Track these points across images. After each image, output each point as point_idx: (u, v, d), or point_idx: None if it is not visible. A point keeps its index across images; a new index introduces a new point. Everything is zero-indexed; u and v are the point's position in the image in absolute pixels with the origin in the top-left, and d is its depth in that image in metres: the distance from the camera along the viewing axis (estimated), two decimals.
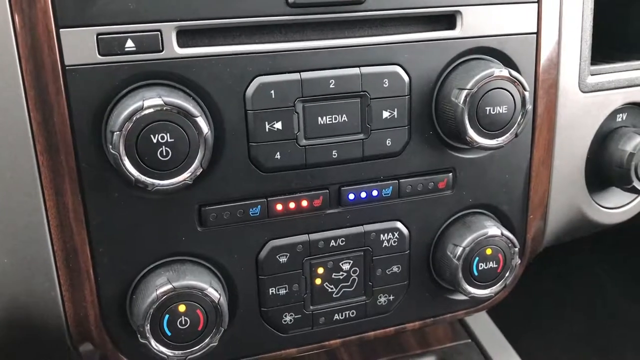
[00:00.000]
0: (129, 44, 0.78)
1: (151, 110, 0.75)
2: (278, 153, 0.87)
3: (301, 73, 0.85)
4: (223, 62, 0.82)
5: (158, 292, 0.83)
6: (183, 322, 0.85)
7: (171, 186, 0.79)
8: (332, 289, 0.98)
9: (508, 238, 0.99)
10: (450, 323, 1.38)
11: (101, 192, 0.82)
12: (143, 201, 0.84)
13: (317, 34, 0.87)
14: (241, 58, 0.83)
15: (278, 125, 0.86)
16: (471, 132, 0.90)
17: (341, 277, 0.97)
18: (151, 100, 0.75)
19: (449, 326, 1.38)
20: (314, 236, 0.94)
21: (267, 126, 0.85)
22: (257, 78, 0.84)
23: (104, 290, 0.87)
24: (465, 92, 0.88)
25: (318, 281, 0.96)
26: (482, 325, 1.38)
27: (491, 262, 1.00)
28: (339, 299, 0.98)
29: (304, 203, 0.91)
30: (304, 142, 0.88)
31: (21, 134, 0.77)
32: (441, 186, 0.98)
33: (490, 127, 0.91)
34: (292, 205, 0.91)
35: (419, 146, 0.95)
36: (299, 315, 0.97)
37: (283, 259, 0.93)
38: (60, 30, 0.75)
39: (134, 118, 0.75)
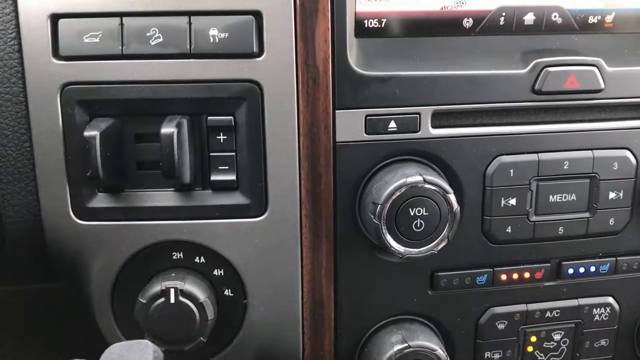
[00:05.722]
0: (392, 124, 0.87)
1: (414, 186, 0.83)
2: (509, 227, 0.93)
3: (539, 154, 0.91)
4: (469, 142, 0.89)
5: (395, 349, 0.90)
6: None
7: (420, 255, 0.86)
8: (541, 357, 1.01)
9: None
10: None
11: (351, 254, 0.91)
12: (384, 264, 0.92)
13: (552, 116, 0.93)
14: (485, 139, 0.90)
15: (512, 201, 0.92)
16: None
17: (551, 347, 1.01)
18: (413, 177, 0.84)
19: None
20: (532, 306, 0.98)
21: (503, 202, 0.91)
22: (498, 157, 0.90)
23: (340, 341, 0.95)
24: None
25: (530, 349, 1.00)
26: None
27: None
28: None
29: (526, 275, 0.96)
30: (534, 218, 0.93)
31: (291, 200, 0.88)
32: None
33: None
34: (515, 276, 0.96)
35: (638, 226, 0.97)
36: None
37: (501, 326, 0.98)
38: (336, 111, 0.86)
39: (398, 193, 0.83)
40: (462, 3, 0.95)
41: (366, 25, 0.93)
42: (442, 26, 0.95)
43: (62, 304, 0.98)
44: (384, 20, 0.93)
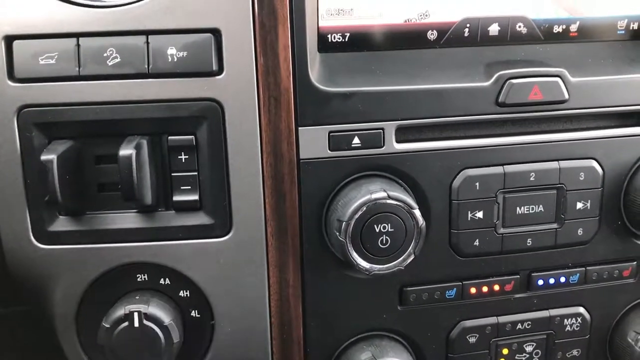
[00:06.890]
0: (356, 140, 0.86)
1: (378, 202, 0.83)
2: (477, 240, 0.92)
3: (504, 166, 0.91)
4: (434, 156, 0.89)
5: None
6: None
7: (386, 271, 0.85)
8: None
9: None
10: None
11: (318, 271, 0.90)
12: (353, 280, 0.91)
13: (517, 128, 0.92)
14: (450, 153, 0.89)
15: (479, 214, 0.91)
16: None
17: (523, 359, 1.00)
18: (377, 193, 0.83)
19: None
20: (503, 319, 0.97)
21: (469, 215, 0.91)
22: (463, 171, 0.90)
23: None
24: None
25: None
26: None
27: None
28: None
29: (496, 287, 0.96)
30: (501, 230, 0.92)
31: (256, 219, 0.87)
32: (625, 274, 1.00)
33: None
34: (484, 289, 0.95)
35: (607, 235, 0.97)
36: None
37: (472, 339, 0.97)
38: (299, 128, 0.85)
39: (362, 209, 0.82)
40: (426, 15, 0.95)
41: (330, 40, 0.92)
42: (407, 39, 0.94)
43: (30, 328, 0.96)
44: (348, 35, 0.92)
